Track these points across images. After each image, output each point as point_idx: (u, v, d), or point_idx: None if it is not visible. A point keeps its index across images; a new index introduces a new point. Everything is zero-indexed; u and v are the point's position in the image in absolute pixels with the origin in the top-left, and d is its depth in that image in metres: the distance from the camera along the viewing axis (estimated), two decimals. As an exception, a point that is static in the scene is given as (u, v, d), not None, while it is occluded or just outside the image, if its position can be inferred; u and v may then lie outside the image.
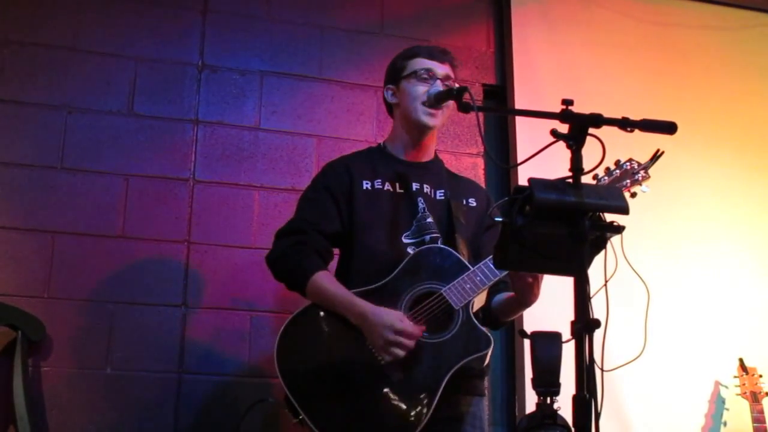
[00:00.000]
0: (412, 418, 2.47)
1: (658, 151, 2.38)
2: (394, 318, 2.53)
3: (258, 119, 3.81)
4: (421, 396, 2.50)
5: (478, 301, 2.69)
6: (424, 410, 2.48)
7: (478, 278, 2.60)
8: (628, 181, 2.52)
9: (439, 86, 2.76)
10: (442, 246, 2.70)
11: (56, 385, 3.30)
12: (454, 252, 2.68)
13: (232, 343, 3.53)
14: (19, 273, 3.36)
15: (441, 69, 2.81)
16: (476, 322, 2.60)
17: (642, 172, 2.52)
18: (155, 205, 3.57)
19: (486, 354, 2.58)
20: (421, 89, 2.78)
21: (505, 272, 2.60)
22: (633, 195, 2.51)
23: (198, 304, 3.53)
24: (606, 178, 2.52)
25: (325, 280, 2.68)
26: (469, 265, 2.65)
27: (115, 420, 3.33)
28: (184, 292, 3.52)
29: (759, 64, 4.59)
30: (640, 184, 2.53)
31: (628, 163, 2.53)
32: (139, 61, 3.71)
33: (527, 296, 2.59)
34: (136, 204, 3.55)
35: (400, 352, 2.50)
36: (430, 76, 2.79)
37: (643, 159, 2.53)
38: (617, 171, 2.52)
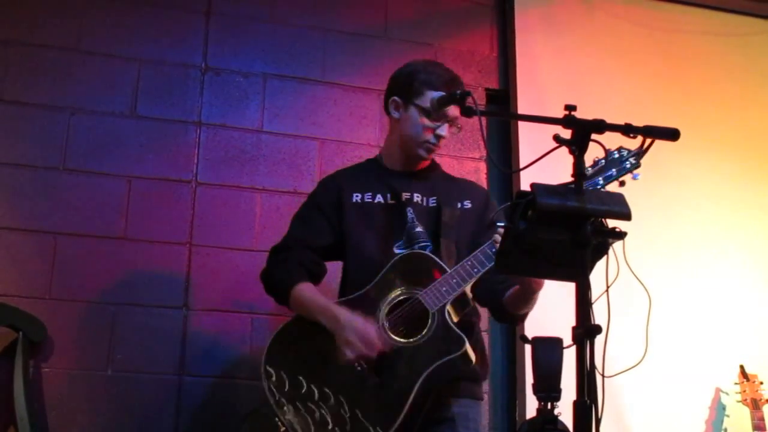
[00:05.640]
0: (385, 421, 2.49)
1: (644, 140, 2.33)
2: (361, 323, 2.58)
3: (261, 122, 3.81)
4: (394, 399, 2.52)
5: (463, 306, 2.69)
6: (397, 413, 2.49)
7: (455, 281, 2.60)
8: (615, 170, 2.47)
9: (444, 130, 2.79)
10: (421, 251, 2.72)
11: (57, 386, 3.30)
12: (433, 257, 2.69)
13: (233, 346, 3.53)
14: (20, 274, 3.36)
15: (453, 111, 2.78)
16: (451, 324, 2.59)
17: (631, 159, 2.48)
18: (157, 207, 3.57)
19: (461, 355, 2.56)
20: (429, 130, 2.78)
21: (481, 273, 2.59)
22: (622, 184, 2.46)
23: (199, 306, 3.53)
24: (590, 169, 2.47)
25: (305, 290, 2.74)
26: (447, 269, 2.65)
27: (115, 421, 3.33)
28: (186, 294, 3.52)
29: (761, 70, 4.59)
30: (631, 173, 2.49)
31: (616, 152, 2.48)
32: (143, 63, 3.71)
33: (531, 284, 2.58)
34: (138, 206, 3.55)
35: (351, 354, 2.55)
36: (440, 116, 2.77)
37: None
38: (602, 161, 2.47)
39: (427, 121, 2.78)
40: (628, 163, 2.43)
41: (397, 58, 3.75)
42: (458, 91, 2.54)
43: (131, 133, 3.63)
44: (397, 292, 2.66)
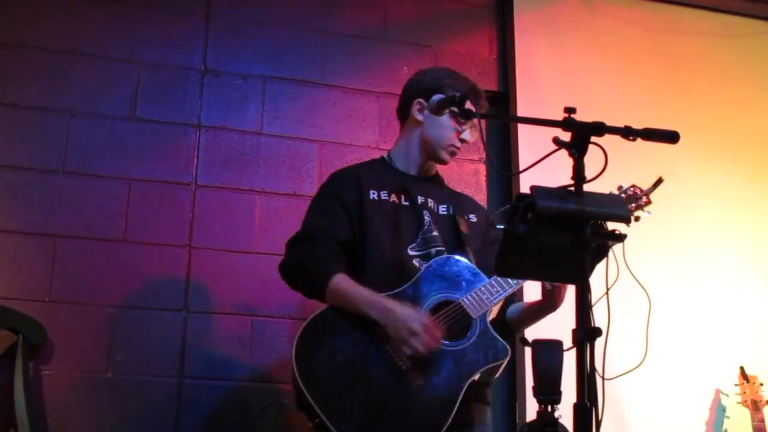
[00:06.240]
0: (432, 425, 2.47)
1: (659, 179, 2.41)
2: (421, 314, 2.55)
3: (260, 124, 3.81)
4: (441, 403, 2.50)
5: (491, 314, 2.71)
6: (444, 417, 2.48)
7: (495, 289, 2.62)
8: (633, 204, 2.56)
9: (468, 134, 2.81)
10: (458, 257, 2.72)
11: (57, 388, 3.30)
12: (470, 263, 2.70)
13: (232, 348, 3.53)
14: (20, 276, 3.36)
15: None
16: (494, 331, 2.62)
17: (644, 197, 2.57)
18: (157, 210, 3.57)
19: (504, 362, 2.60)
20: (455, 133, 2.80)
21: (522, 283, 2.62)
22: (636, 219, 2.55)
23: (199, 308, 3.52)
24: None
25: (346, 281, 2.66)
26: (485, 276, 2.67)
27: (115, 424, 3.33)
28: (185, 297, 3.52)
29: (761, 71, 4.59)
30: (642, 209, 2.57)
31: (630, 189, 2.57)
32: (142, 65, 3.72)
33: (556, 301, 2.62)
34: (137, 208, 3.55)
35: (420, 347, 2.49)
36: (466, 121, 2.79)
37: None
38: (622, 196, 2.55)
39: (455, 124, 2.79)
40: (642, 200, 2.53)
41: (397, 61, 3.77)
42: (457, 94, 2.55)
43: (131, 135, 3.63)
44: (436, 295, 2.65)
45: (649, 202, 2.59)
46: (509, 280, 2.63)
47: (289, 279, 2.78)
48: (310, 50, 3.97)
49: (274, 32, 3.94)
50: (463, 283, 2.66)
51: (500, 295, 2.62)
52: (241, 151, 3.75)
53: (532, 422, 2.43)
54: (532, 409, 2.72)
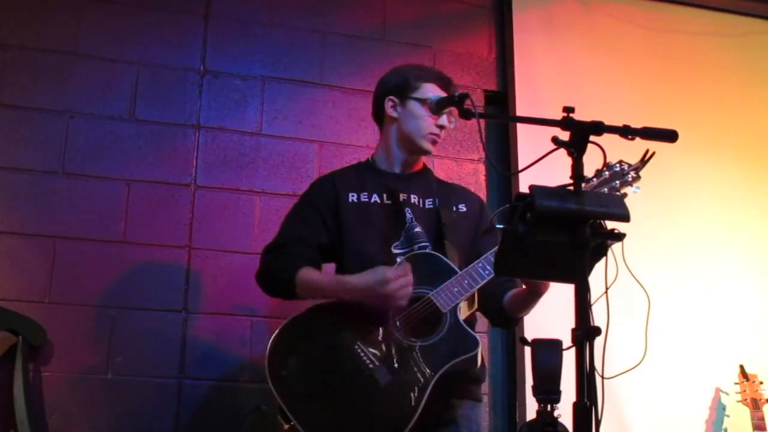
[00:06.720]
0: (400, 420, 2.49)
1: (647, 152, 2.37)
2: (381, 271, 2.57)
3: (259, 124, 3.81)
4: (410, 397, 2.52)
5: (470, 306, 2.72)
6: (412, 411, 2.50)
7: (466, 282, 2.63)
8: (618, 182, 2.52)
9: (445, 120, 2.85)
10: (430, 252, 2.74)
11: (57, 390, 3.30)
12: (443, 257, 2.71)
13: (232, 348, 3.53)
14: (20, 278, 3.36)
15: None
16: (464, 324, 2.63)
17: (632, 173, 2.53)
18: (156, 211, 3.57)
19: (475, 355, 2.60)
20: (431, 121, 2.83)
21: (492, 275, 2.62)
22: (624, 196, 2.51)
23: (199, 309, 3.53)
24: (595, 180, 2.51)
25: (311, 272, 2.73)
26: (457, 270, 2.67)
27: (115, 425, 3.33)
28: (185, 298, 3.52)
29: (760, 70, 4.60)
30: (631, 185, 2.53)
31: (618, 165, 2.53)
32: (141, 66, 3.71)
33: (538, 286, 2.61)
34: (137, 209, 3.55)
35: (408, 292, 2.55)
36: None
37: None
38: (607, 173, 2.52)
39: (428, 113, 2.82)
40: (629, 176, 2.48)
41: (395, 61, 3.75)
42: (456, 93, 2.56)
43: (130, 136, 3.63)
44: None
45: (637, 178, 2.52)
46: (481, 271, 2.63)
47: (262, 285, 2.87)
48: (309, 50, 3.97)
49: (274, 33, 3.94)
50: (435, 279, 2.66)
51: (471, 288, 2.63)
52: (241, 151, 3.75)
53: (532, 421, 2.43)
54: (532, 408, 2.71)
